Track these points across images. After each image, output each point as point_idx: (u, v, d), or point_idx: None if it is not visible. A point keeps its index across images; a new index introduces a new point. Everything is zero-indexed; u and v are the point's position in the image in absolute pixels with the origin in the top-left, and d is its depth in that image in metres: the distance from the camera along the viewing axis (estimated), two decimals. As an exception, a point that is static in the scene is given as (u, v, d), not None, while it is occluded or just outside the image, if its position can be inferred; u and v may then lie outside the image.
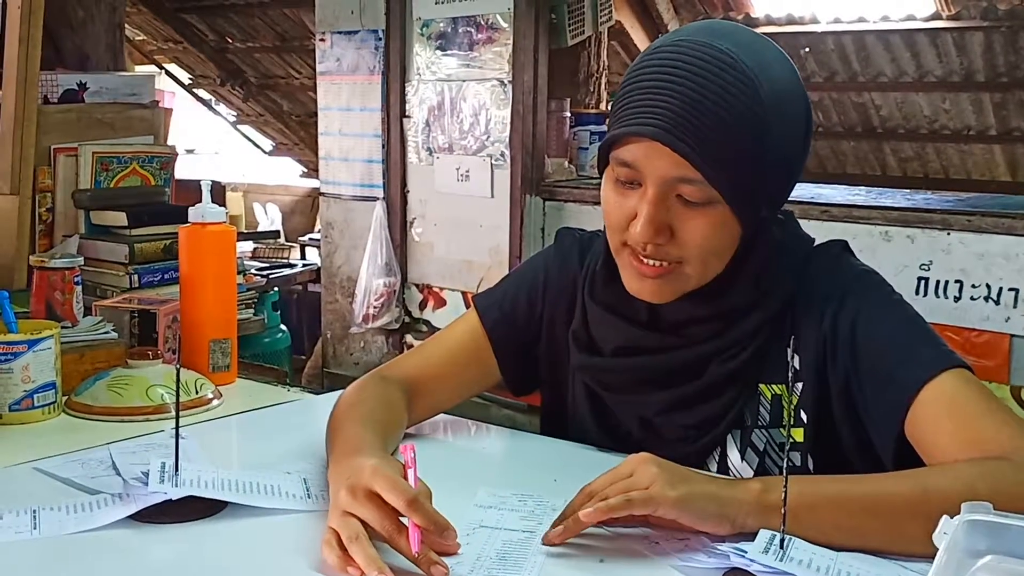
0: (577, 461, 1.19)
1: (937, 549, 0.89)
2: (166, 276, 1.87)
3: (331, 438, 1.13)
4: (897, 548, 0.93)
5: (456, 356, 1.29)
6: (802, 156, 1.11)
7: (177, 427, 1.04)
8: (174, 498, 1.00)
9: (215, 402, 1.43)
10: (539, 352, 1.29)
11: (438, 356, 1.30)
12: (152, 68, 6.79)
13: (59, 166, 1.97)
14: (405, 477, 0.94)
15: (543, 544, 0.95)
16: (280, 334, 4.76)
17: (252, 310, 2.07)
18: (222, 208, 1.54)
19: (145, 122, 2.11)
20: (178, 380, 1.05)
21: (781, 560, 0.87)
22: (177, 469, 1.03)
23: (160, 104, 2.19)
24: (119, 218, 1.90)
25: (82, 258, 1.64)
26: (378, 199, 3.55)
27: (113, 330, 1.56)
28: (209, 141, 7.94)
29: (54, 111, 2.02)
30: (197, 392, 1.42)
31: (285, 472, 1.12)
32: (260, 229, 6.26)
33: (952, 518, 0.67)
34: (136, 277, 1.85)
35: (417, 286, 3.56)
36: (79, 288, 1.59)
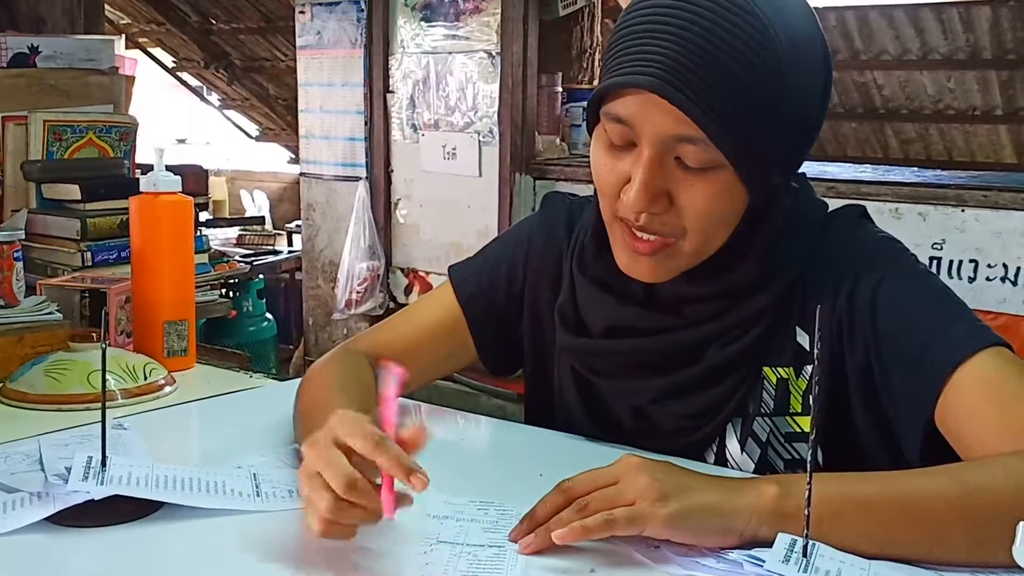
0: (564, 453, 1.08)
1: (985, 560, 0.78)
2: (123, 254, 1.74)
3: (303, 417, 1.02)
4: (937, 557, 0.80)
5: (428, 333, 1.17)
6: (820, 114, 0.98)
7: (104, 416, 0.92)
8: (97, 498, 0.88)
9: (167, 389, 1.32)
10: (520, 330, 1.17)
11: (409, 332, 1.18)
12: (136, 52, 6.65)
13: (8, 135, 1.85)
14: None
15: (510, 539, 0.83)
16: (265, 323, 4.67)
17: (218, 291, 1.94)
18: (177, 177, 1.41)
19: (103, 90, 1.98)
20: (104, 361, 0.91)
21: (805, 570, 0.74)
22: (104, 464, 0.91)
23: (121, 71, 2.05)
24: (72, 191, 1.77)
25: (22, 232, 1.51)
26: (361, 179, 3.46)
27: (59, 311, 1.43)
28: (197, 128, 7.84)
29: (2, 76, 1.90)
30: (146, 378, 1.31)
31: (234, 467, 1.00)
32: (246, 216, 6.14)
33: (1031, 525, 0.53)
34: (89, 255, 1.73)
35: (402, 270, 3.47)
36: (19, 264, 1.46)
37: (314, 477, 0.82)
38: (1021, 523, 0.57)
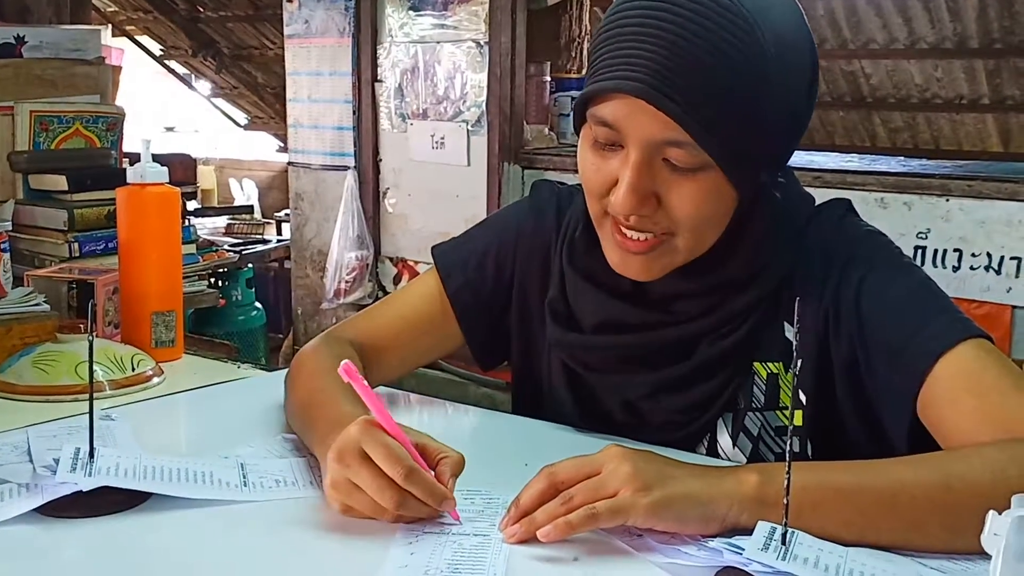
0: (550, 442, 1.08)
1: (962, 549, 0.79)
2: (110, 245, 1.74)
3: (307, 416, 1.02)
4: (915, 545, 0.82)
5: (414, 322, 1.18)
6: (806, 112, 0.98)
7: (91, 407, 0.92)
8: (85, 489, 0.88)
9: (155, 380, 1.32)
10: (508, 321, 1.17)
11: (394, 321, 1.18)
12: (123, 40, 6.61)
13: (-7, 126, 1.83)
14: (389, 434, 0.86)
15: (499, 530, 0.84)
16: (255, 312, 4.66)
17: (206, 281, 1.94)
18: (163, 168, 1.41)
19: (90, 80, 1.97)
20: (91, 353, 0.91)
21: (783, 558, 0.75)
22: (92, 456, 0.91)
23: (108, 61, 2.04)
24: (59, 182, 1.77)
25: (9, 223, 1.51)
26: (349, 168, 3.45)
27: (46, 302, 1.43)
28: (185, 116, 7.79)
29: (-12, 66, 1.88)
30: (134, 369, 1.31)
31: (221, 457, 1.01)
32: (235, 204, 6.11)
33: (1001, 514, 0.54)
34: (76, 246, 1.73)
35: (391, 259, 3.46)
36: (6, 256, 1.46)
37: (350, 491, 0.85)
38: (991, 512, 0.58)
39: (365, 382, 0.88)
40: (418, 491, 0.83)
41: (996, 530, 0.54)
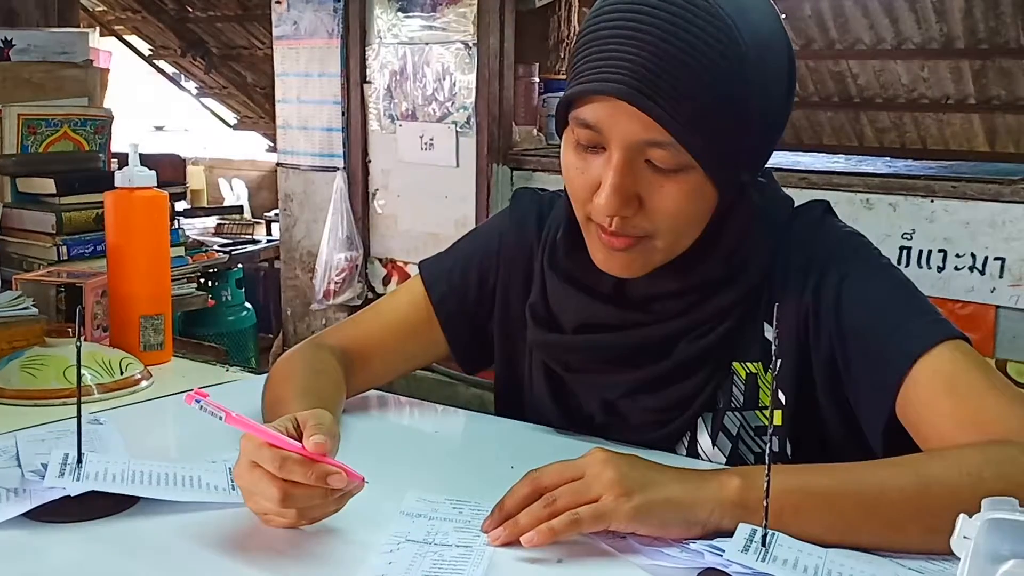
0: (535, 445, 1.09)
1: (940, 550, 0.80)
2: (99, 248, 1.74)
3: (266, 414, 1.05)
4: (894, 546, 0.83)
5: (398, 329, 1.19)
6: (785, 112, 0.99)
7: (79, 412, 0.93)
8: (73, 494, 0.89)
9: (143, 383, 1.32)
10: (491, 327, 1.18)
11: (379, 329, 1.20)
12: (112, 40, 6.60)
13: (-18, 129, 1.83)
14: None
15: (482, 530, 0.85)
16: (245, 312, 4.66)
17: (195, 283, 1.94)
18: (152, 172, 1.41)
19: (78, 82, 1.97)
20: (79, 357, 0.92)
21: (763, 560, 0.76)
22: (80, 461, 0.92)
23: (96, 63, 2.04)
24: (47, 185, 1.77)
25: (-3, 227, 1.50)
26: (338, 169, 3.46)
27: (34, 305, 1.43)
28: (175, 116, 7.78)
29: (-25, 70, 1.88)
30: (122, 372, 1.31)
31: (209, 461, 1.01)
32: (224, 205, 6.11)
33: (971, 517, 0.55)
34: (65, 249, 1.72)
35: (380, 260, 3.47)
36: (-6, 260, 1.46)
37: (252, 497, 0.85)
38: (962, 515, 0.59)
39: (219, 405, 0.85)
40: (296, 476, 0.82)
41: (966, 533, 0.55)
